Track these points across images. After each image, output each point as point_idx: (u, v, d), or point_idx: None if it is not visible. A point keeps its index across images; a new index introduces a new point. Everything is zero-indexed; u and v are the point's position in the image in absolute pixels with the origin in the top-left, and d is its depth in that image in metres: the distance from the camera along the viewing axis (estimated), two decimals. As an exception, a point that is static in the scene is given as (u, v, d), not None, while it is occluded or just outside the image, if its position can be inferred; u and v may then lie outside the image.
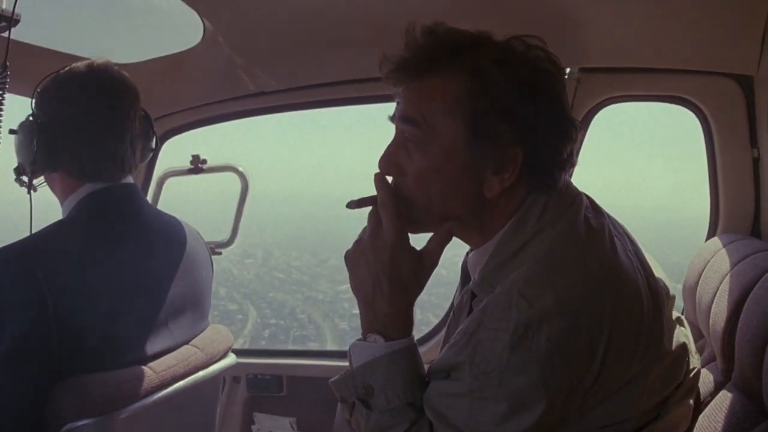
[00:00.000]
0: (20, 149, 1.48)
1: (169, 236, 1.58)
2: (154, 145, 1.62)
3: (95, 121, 1.45)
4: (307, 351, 2.71)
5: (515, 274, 1.02)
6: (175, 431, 1.58)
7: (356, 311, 1.14)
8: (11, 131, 1.49)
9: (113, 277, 1.40)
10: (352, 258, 1.11)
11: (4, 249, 1.35)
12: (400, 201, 1.09)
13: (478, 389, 0.98)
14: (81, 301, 1.34)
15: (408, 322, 1.11)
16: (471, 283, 1.18)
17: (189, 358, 1.52)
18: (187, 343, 1.56)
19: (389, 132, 1.14)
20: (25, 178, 1.50)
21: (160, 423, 1.48)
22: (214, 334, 1.65)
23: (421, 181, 1.08)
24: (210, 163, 2.33)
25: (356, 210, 1.12)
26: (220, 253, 2.36)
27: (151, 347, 1.45)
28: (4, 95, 1.44)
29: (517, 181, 1.07)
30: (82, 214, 1.46)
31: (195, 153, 2.31)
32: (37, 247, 1.37)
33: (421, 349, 2.32)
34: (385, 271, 1.07)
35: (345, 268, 1.12)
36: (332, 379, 1.12)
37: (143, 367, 1.40)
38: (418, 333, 2.49)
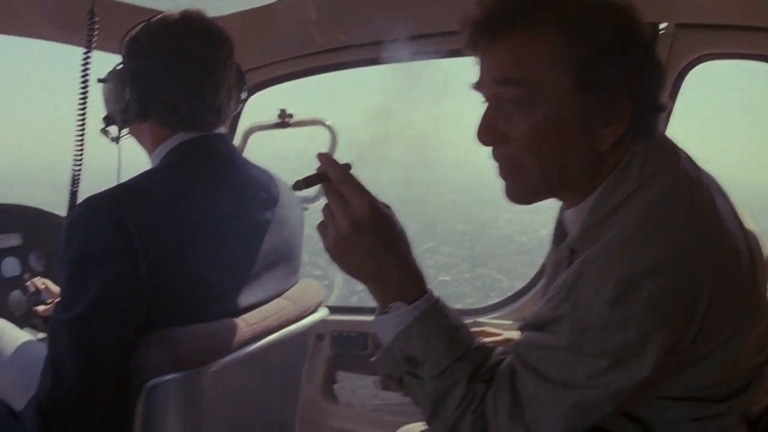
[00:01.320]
0: (110, 99, 1.47)
1: (262, 187, 1.54)
2: (244, 98, 1.60)
3: (193, 69, 1.42)
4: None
5: (617, 229, 0.98)
6: (262, 387, 1.57)
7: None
8: (100, 80, 1.48)
9: (206, 227, 1.37)
10: (337, 248, 1.05)
11: (91, 198, 1.33)
12: (512, 170, 1.06)
13: (576, 344, 0.96)
14: (173, 250, 1.32)
15: (419, 275, 1.08)
16: (569, 239, 1.13)
17: (282, 311, 1.49)
18: (278, 296, 1.53)
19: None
20: (113, 129, 1.49)
21: (248, 378, 1.47)
22: (305, 288, 1.63)
23: (531, 144, 1.03)
24: (296, 118, 2.30)
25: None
26: (307, 209, 2.34)
27: (244, 300, 1.43)
28: (92, 49, 1.42)
29: (625, 131, 1.03)
30: (174, 162, 1.43)
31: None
32: (126, 194, 1.35)
33: (511, 307, 2.29)
34: (379, 243, 1.03)
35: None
36: (373, 359, 1.10)
37: (236, 319, 1.38)
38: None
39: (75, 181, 1.45)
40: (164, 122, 1.45)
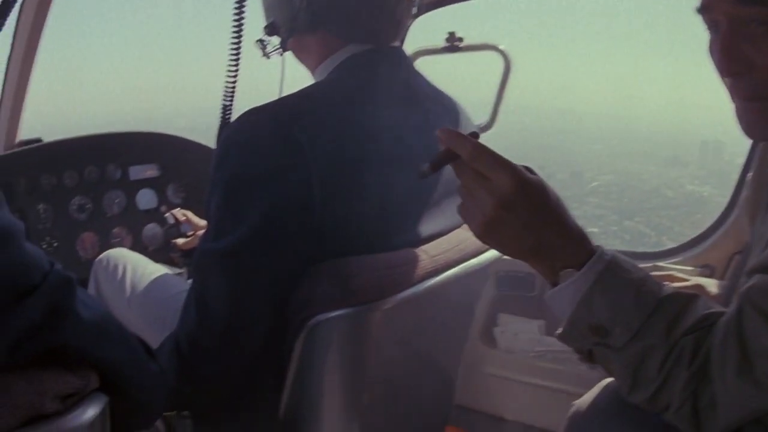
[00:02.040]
0: (276, 5, 1.32)
1: (442, 109, 1.39)
2: (415, 13, 1.42)
3: None
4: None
5: None
6: (431, 327, 1.42)
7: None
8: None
9: (385, 146, 1.22)
10: (488, 232, 0.93)
11: (252, 109, 1.18)
12: (758, 102, 0.91)
13: None
14: (349, 171, 1.16)
15: (583, 235, 0.95)
16: None
17: (462, 243, 1.34)
18: (458, 227, 1.38)
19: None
20: (274, 40, 1.36)
21: (420, 316, 1.33)
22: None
23: None
24: (466, 42, 2.12)
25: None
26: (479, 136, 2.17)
27: (424, 229, 1.29)
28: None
29: None
30: (346, 75, 1.27)
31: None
32: (296, 106, 1.20)
33: (691, 252, 2.04)
34: (533, 215, 0.92)
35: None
36: (558, 333, 0.97)
37: (416, 250, 1.24)
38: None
39: (227, 109, 1.34)
40: (337, 32, 1.30)
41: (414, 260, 1.22)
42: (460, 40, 2.07)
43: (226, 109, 1.56)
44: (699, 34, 0.99)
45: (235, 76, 1.35)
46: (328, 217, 1.14)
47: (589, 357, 0.96)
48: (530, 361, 2.25)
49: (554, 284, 0.96)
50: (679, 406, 0.89)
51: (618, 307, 0.90)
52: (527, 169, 0.93)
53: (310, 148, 1.12)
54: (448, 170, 1.33)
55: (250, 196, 1.13)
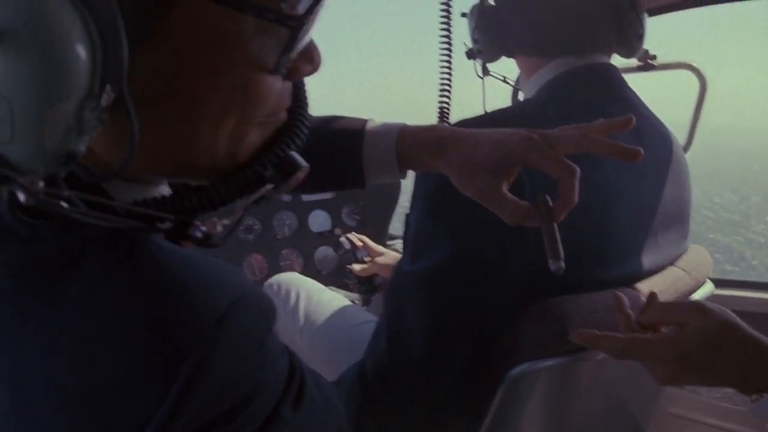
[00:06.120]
0: (471, 33, 1.31)
1: (658, 131, 1.25)
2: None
3: None
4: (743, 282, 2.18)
5: None
6: (638, 368, 1.27)
7: None
8: (463, 14, 1.33)
9: (602, 171, 1.09)
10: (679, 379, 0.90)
11: (459, 122, 1.10)
12: None
13: None
14: None
15: None
16: None
17: (677, 282, 1.19)
18: (671, 263, 1.23)
19: None
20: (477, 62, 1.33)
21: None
22: (696, 255, 1.31)
23: None
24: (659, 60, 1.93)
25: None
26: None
27: (640, 264, 1.15)
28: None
29: None
30: (556, 94, 1.18)
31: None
32: (507, 119, 1.13)
33: None
34: (728, 345, 0.88)
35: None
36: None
37: (631, 289, 1.10)
38: None
39: (443, 117, 1.30)
40: (534, 51, 1.24)
41: (632, 301, 1.07)
42: (654, 57, 1.87)
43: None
44: None
45: (447, 95, 1.31)
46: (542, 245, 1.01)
47: None
48: (716, 403, 2.04)
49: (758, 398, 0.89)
50: None
51: None
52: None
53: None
54: (667, 197, 1.20)
55: (454, 213, 1.02)
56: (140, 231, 0.53)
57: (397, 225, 2.41)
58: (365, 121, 0.99)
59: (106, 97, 0.45)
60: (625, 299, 0.99)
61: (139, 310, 0.47)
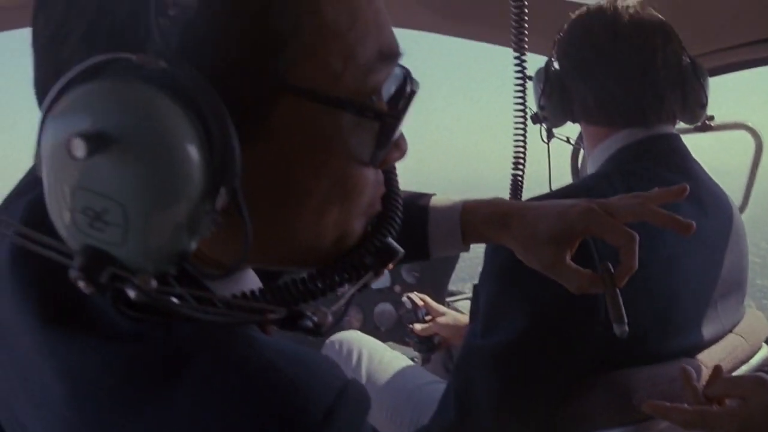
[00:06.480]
0: (539, 99, 1.33)
1: (717, 198, 1.28)
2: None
3: (625, 59, 1.21)
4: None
5: None
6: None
7: None
8: (528, 78, 1.30)
9: (667, 242, 1.12)
10: None
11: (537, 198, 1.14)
12: None
13: None
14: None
15: None
16: None
17: (736, 350, 1.22)
18: (730, 330, 1.26)
19: None
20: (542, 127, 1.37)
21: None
22: (754, 320, 1.33)
23: None
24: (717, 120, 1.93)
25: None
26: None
27: (700, 334, 1.18)
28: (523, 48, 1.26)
29: None
30: (624, 167, 1.21)
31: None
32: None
33: None
34: None
35: None
36: None
37: (693, 360, 1.13)
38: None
39: (516, 188, 1.29)
40: (600, 121, 1.27)
41: (693, 372, 1.11)
42: (712, 118, 1.85)
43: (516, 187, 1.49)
44: None
45: (521, 168, 1.30)
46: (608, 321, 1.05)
47: None
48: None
49: None
50: None
51: None
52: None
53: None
54: (727, 266, 1.22)
55: (531, 286, 1.04)
56: (251, 324, 0.54)
57: (456, 280, 2.43)
58: (429, 197, 1.02)
59: (221, 200, 0.45)
60: (693, 372, 1.04)
61: (250, 415, 0.48)
